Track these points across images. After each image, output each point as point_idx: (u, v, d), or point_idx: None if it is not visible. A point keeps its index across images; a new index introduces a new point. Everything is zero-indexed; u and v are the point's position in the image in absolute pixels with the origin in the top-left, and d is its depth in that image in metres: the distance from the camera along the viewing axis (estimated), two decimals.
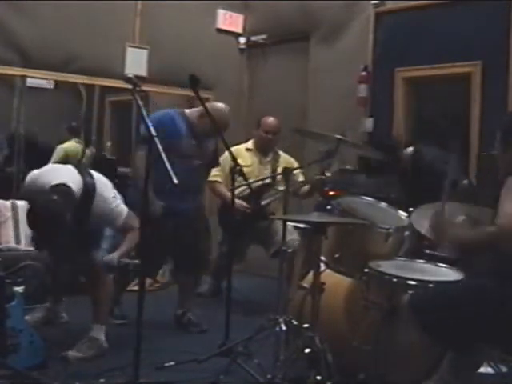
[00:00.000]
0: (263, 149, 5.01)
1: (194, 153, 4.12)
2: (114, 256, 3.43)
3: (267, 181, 4.81)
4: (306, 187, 4.68)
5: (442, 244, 2.77)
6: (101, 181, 3.54)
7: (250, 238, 4.86)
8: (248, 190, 4.45)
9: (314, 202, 4.74)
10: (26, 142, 5.32)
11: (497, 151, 2.63)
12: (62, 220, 3.20)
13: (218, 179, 4.89)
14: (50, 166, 3.78)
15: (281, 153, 5.04)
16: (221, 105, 4.23)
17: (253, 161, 4.94)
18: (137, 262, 3.23)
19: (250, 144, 5.05)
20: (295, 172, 4.85)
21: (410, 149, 4.28)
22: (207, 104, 3.93)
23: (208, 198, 5.85)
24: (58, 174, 3.43)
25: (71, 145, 5.57)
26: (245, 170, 4.57)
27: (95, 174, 3.55)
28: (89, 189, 3.41)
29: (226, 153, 4.03)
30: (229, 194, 4.67)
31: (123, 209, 3.52)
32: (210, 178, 4.95)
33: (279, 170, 4.84)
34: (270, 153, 5.01)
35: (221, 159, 4.91)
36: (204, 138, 4.15)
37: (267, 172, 4.91)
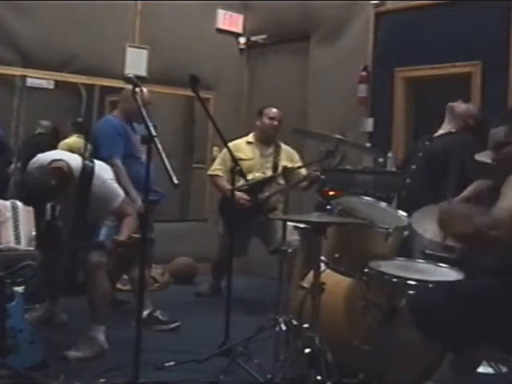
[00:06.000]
0: (266, 138, 4.98)
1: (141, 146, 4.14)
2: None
3: (268, 174, 4.82)
4: (305, 182, 4.67)
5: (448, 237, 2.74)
6: (100, 165, 3.68)
7: (251, 231, 4.83)
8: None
9: (313, 202, 4.75)
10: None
11: None
12: (54, 192, 3.43)
13: (219, 173, 4.91)
14: (53, 151, 3.95)
15: (282, 145, 5.02)
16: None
17: (254, 154, 4.93)
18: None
19: (250, 137, 5.03)
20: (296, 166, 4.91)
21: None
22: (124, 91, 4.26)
23: (208, 191, 5.90)
24: (59, 154, 3.73)
25: (74, 140, 5.56)
26: (246, 163, 4.63)
27: (95, 161, 3.70)
28: (88, 169, 3.56)
29: (229, 145, 4.06)
30: (229, 187, 4.73)
31: (120, 193, 3.66)
32: (211, 172, 5.00)
33: (281, 162, 4.88)
34: (272, 145, 4.99)
35: (221, 153, 4.97)
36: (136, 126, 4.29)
37: (269, 165, 4.91)
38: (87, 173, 3.55)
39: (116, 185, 3.67)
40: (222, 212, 4.99)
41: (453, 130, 4.14)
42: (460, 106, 4.18)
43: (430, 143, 4.19)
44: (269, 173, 4.85)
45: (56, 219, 3.71)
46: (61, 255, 3.83)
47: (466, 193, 3.81)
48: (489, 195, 2.91)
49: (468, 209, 2.70)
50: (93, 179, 3.55)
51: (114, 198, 3.61)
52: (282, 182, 4.50)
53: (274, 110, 4.98)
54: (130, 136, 4.28)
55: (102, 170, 3.65)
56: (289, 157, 4.98)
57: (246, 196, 4.67)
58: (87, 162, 3.59)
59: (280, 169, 4.85)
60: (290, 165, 4.89)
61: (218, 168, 4.93)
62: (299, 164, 4.95)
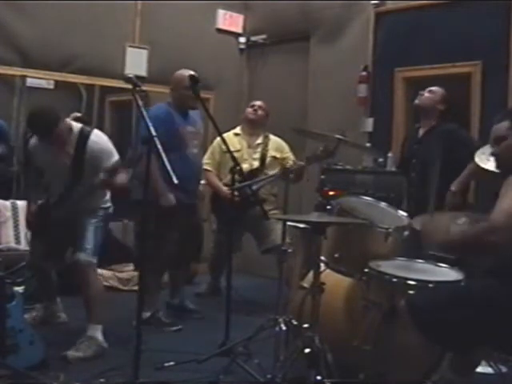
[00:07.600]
0: (249, 127, 4.99)
1: (193, 138, 4.29)
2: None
3: (255, 166, 4.83)
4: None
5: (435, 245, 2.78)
6: (98, 132, 3.78)
7: (243, 226, 4.76)
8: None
9: (313, 202, 4.74)
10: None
11: None
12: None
13: (208, 167, 4.92)
14: None
15: (271, 136, 5.03)
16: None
17: (241, 145, 4.93)
18: None
19: (238, 129, 5.06)
20: (285, 157, 4.91)
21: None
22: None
23: (207, 191, 5.86)
24: None
25: None
26: (234, 154, 4.63)
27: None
28: (85, 130, 3.70)
29: (217, 139, 4.20)
30: (219, 183, 4.75)
31: (116, 154, 3.69)
32: None
33: (269, 153, 4.91)
34: (260, 136, 4.99)
35: (210, 147, 4.99)
36: (193, 116, 4.33)
37: (257, 156, 4.92)
38: (85, 133, 3.67)
39: (112, 146, 3.72)
40: (214, 209, 4.99)
41: (434, 123, 4.24)
42: (423, 100, 4.36)
43: (418, 146, 4.28)
44: (256, 164, 4.87)
45: (49, 203, 3.75)
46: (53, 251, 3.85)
47: (460, 178, 3.94)
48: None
49: (448, 219, 2.76)
50: (90, 137, 3.66)
51: (110, 156, 3.63)
52: (269, 172, 4.61)
53: (259, 101, 5.06)
54: (178, 126, 4.23)
55: (100, 133, 3.76)
56: (277, 148, 4.98)
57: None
58: (85, 127, 3.74)
59: (268, 160, 4.90)
60: (278, 155, 4.93)
61: (206, 162, 4.93)
62: (289, 155, 4.97)
